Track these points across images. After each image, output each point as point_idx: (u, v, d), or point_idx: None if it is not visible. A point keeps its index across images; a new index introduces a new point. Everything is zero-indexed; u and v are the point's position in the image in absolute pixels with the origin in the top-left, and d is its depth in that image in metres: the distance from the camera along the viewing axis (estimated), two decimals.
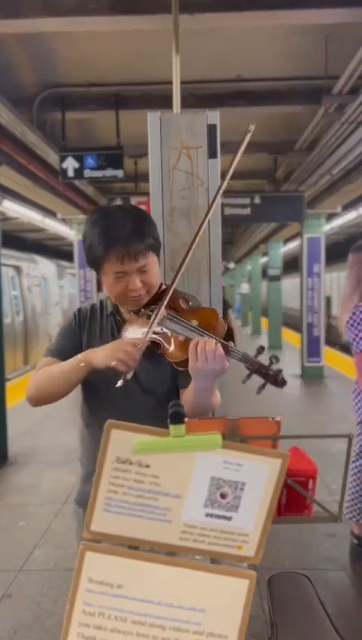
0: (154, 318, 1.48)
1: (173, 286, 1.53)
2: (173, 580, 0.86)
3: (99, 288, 9.76)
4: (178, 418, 0.85)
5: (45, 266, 14.98)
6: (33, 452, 5.45)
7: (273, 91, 5.96)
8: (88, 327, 1.66)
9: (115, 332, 1.62)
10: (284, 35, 4.79)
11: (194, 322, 1.47)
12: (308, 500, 1.17)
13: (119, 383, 1.43)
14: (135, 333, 1.51)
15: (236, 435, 1.04)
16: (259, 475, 0.86)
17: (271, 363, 1.35)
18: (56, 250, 18.77)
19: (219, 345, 1.37)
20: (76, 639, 0.87)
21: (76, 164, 6.07)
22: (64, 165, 6.09)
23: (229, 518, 0.87)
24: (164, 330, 1.50)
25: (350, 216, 9.97)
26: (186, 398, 1.51)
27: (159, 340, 1.49)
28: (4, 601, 2.89)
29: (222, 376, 1.42)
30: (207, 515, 0.86)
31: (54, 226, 11.04)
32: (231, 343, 1.40)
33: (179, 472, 0.86)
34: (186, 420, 0.87)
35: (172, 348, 1.47)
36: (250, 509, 0.86)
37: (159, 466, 0.85)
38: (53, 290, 15.39)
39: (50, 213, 9.75)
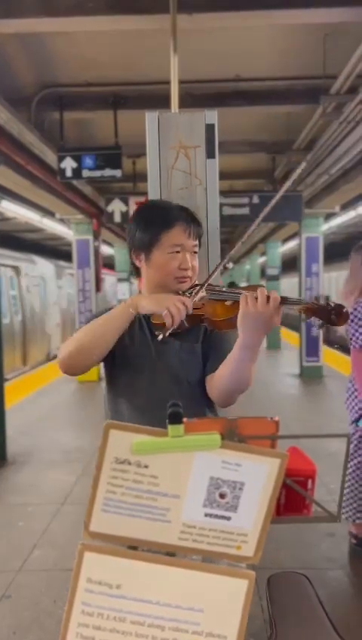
0: (201, 288, 1.52)
1: (217, 268, 1.62)
2: (172, 580, 0.86)
3: (98, 289, 9.74)
4: (176, 418, 0.85)
5: (44, 266, 14.95)
6: (32, 452, 5.44)
7: (271, 91, 5.96)
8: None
9: (148, 332, 1.60)
10: (283, 34, 4.80)
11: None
12: (307, 499, 1.17)
13: (160, 337, 1.42)
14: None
15: (234, 435, 1.03)
16: (258, 475, 0.85)
17: (328, 301, 1.36)
18: (55, 251, 18.74)
19: (274, 291, 1.36)
20: (75, 639, 0.87)
21: (74, 164, 6.07)
22: (62, 165, 6.08)
23: (228, 518, 0.86)
24: (208, 301, 1.52)
25: (348, 215, 9.98)
26: (221, 373, 1.47)
27: (201, 312, 1.50)
28: (2, 601, 2.88)
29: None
30: (206, 515, 0.86)
31: (53, 226, 11.02)
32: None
33: (178, 472, 0.85)
34: (185, 420, 0.87)
35: (218, 310, 1.49)
36: (249, 509, 0.86)
37: (158, 466, 0.85)
38: (52, 291, 15.36)
39: (48, 213, 9.74)
